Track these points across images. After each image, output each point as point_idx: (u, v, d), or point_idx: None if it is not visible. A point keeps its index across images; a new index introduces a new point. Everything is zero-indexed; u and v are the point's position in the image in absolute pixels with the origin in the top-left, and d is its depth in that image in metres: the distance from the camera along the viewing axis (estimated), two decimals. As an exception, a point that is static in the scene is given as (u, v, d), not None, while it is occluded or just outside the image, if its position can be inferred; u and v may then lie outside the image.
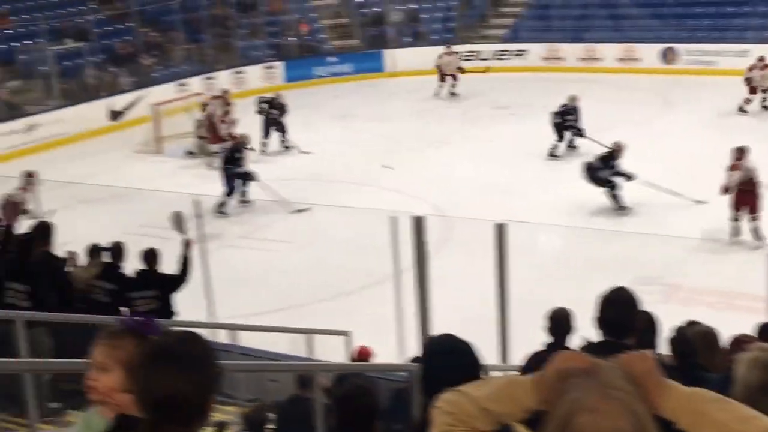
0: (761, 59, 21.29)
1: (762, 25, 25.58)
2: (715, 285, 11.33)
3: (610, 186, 14.20)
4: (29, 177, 14.28)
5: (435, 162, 18.14)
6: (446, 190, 15.94)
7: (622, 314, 3.85)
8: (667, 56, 25.73)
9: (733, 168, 12.78)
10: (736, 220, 12.66)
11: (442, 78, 24.76)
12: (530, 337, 5.98)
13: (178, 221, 9.24)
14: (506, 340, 8.37)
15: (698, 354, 5.09)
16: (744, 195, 12.53)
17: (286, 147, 19.97)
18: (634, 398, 1.63)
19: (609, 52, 26.66)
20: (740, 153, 12.88)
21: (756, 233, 12.47)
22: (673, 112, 21.28)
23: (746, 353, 3.12)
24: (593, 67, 26.17)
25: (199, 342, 2.18)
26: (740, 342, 5.25)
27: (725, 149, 13.07)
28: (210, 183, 16.31)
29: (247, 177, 15.95)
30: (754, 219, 12.56)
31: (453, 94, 24.56)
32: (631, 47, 26.35)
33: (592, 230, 10.70)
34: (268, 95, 21.08)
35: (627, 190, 14.34)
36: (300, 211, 14.96)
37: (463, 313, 10.09)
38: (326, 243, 13.73)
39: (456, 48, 25.82)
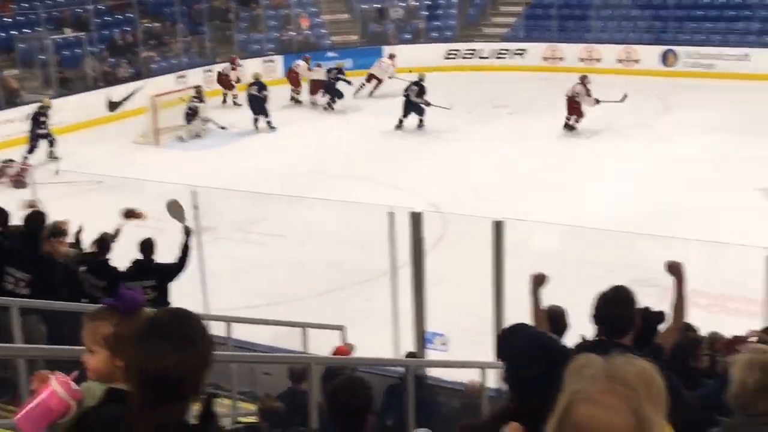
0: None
1: (762, 29, 25.58)
2: (709, 287, 11.29)
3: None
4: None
5: (433, 159, 18.13)
6: (444, 187, 15.92)
7: (619, 313, 3.83)
8: (667, 59, 25.72)
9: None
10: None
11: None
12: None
13: (176, 209, 9.19)
14: (501, 338, 8.34)
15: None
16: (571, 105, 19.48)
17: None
18: (641, 398, 1.60)
19: (609, 53, 26.67)
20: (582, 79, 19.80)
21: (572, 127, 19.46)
22: (672, 114, 21.28)
23: (741, 355, 3.13)
24: (593, 68, 26.14)
25: (192, 318, 2.19)
26: (734, 343, 5.26)
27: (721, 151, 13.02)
28: (209, 174, 16.27)
29: None
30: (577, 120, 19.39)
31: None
32: (631, 49, 26.36)
33: (589, 229, 10.68)
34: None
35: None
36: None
37: (459, 310, 10.10)
38: (322, 238, 13.70)
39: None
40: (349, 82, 24.04)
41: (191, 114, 20.92)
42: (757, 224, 13.41)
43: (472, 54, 28.06)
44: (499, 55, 27.92)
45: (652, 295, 10.27)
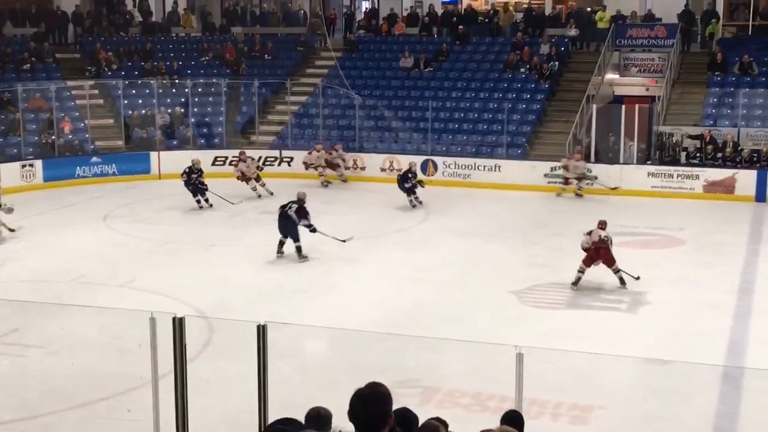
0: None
1: (511, 142, 27.42)
2: (469, 387, 11.70)
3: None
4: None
5: (199, 265, 17.94)
6: (210, 292, 15.74)
7: (372, 410, 3.90)
8: (428, 168, 26.93)
9: (588, 233, 16.22)
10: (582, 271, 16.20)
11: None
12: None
13: None
14: (266, 444, 8.27)
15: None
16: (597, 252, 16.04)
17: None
18: None
19: (373, 161, 27.65)
20: (600, 224, 16.35)
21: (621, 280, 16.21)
22: (432, 220, 22.21)
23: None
24: (359, 176, 27.00)
25: None
26: None
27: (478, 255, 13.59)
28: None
29: None
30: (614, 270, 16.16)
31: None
32: (393, 158, 27.44)
33: (352, 331, 10.89)
34: None
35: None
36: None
37: (224, 417, 9.93)
38: (82, 347, 13.13)
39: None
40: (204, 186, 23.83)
41: None
42: (511, 324, 14.13)
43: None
44: (267, 162, 28.24)
45: (414, 395, 10.63)
